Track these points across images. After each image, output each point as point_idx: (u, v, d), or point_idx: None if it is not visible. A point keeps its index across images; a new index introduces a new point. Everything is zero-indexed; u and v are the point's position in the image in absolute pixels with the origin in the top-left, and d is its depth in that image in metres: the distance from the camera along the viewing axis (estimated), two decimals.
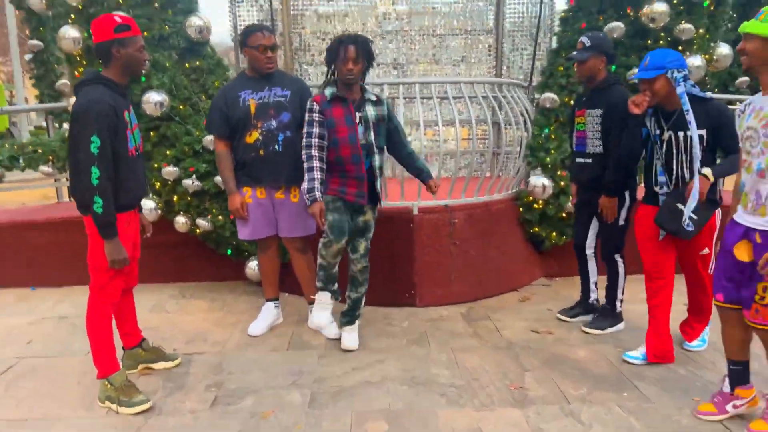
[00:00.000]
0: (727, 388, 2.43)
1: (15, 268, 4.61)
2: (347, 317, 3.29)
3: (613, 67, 3.97)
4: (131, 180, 2.61)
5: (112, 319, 2.69)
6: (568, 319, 3.63)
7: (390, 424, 2.46)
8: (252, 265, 4.21)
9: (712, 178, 2.65)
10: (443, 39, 5.64)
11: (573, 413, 2.51)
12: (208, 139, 3.91)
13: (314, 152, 2.94)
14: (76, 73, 4.08)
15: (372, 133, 3.03)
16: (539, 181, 4.07)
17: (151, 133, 4.04)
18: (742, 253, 2.25)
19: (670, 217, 2.78)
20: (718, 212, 2.83)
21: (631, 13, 3.94)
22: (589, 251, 3.55)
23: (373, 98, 3.07)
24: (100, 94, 2.42)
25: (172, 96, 3.99)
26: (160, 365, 3.04)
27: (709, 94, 2.80)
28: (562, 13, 4.32)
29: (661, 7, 3.80)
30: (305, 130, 2.97)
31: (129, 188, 2.61)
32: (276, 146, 3.19)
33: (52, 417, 2.57)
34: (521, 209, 4.29)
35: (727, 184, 4.53)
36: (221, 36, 9.04)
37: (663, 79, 2.72)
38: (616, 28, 3.92)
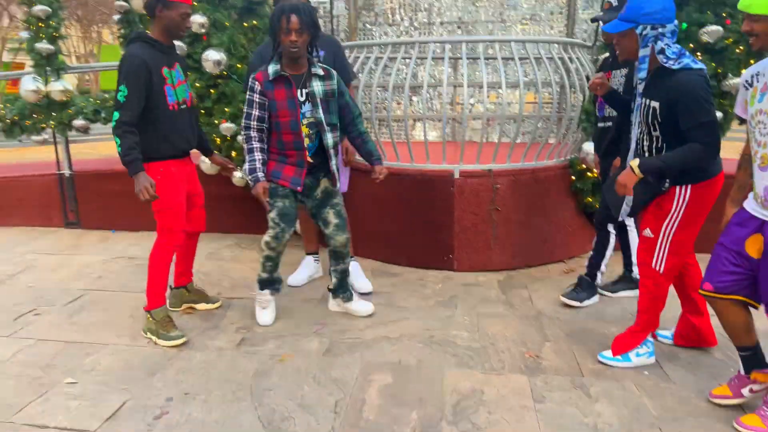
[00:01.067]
0: (742, 371, 2.25)
1: (98, 212, 5.13)
2: (346, 291, 3.18)
3: (684, 25, 3.63)
4: (173, 132, 2.82)
5: (172, 259, 2.96)
6: (610, 294, 3.48)
7: (395, 377, 2.53)
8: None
9: (638, 173, 2.27)
10: None
11: (582, 386, 2.45)
12: None
13: (253, 133, 2.81)
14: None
15: (320, 110, 2.81)
16: (592, 147, 3.85)
17: (211, 90, 4.27)
18: (752, 247, 2.04)
19: (610, 189, 2.53)
20: (682, 192, 2.35)
21: None
22: (629, 221, 3.35)
23: (321, 72, 2.81)
24: (136, 51, 2.65)
25: (230, 54, 4.17)
26: (202, 306, 3.31)
27: (696, 65, 2.23)
28: None
29: None
30: (245, 109, 2.82)
31: (171, 140, 2.82)
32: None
33: (101, 342, 2.90)
34: (573, 177, 4.10)
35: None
36: None
37: (632, 35, 2.30)
38: None
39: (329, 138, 2.87)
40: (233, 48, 4.18)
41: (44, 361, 2.71)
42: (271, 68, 2.76)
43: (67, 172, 5.16)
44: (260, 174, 2.79)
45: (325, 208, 2.98)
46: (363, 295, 3.47)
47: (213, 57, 4.07)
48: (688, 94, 2.19)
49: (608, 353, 2.67)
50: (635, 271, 3.41)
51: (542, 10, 5.34)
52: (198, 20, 4.06)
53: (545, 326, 3.06)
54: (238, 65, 4.21)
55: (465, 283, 3.70)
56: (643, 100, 2.39)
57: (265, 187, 2.80)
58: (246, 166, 2.83)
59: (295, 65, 2.78)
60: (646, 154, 2.43)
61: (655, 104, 2.31)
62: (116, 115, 2.61)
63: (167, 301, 3.14)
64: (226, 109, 4.28)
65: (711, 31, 3.57)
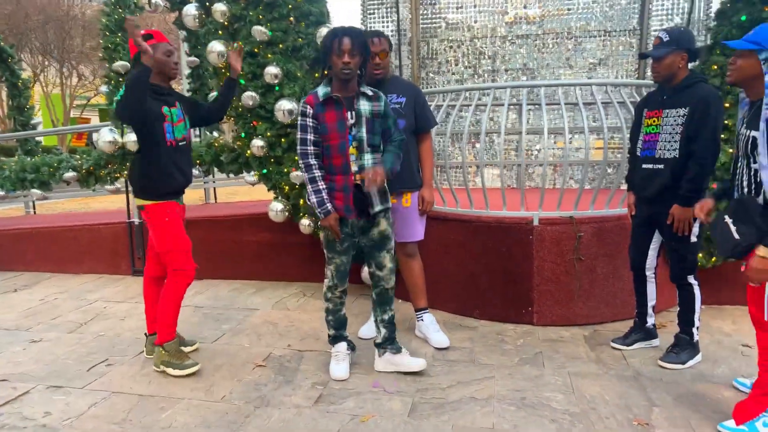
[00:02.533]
0: None
1: None
2: (394, 345, 3.00)
3: None
4: (171, 167, 2.97)
5: (183, 296, 3.04)
6: (624, 347, 3.24)
7: None
8: (367, 270, 4.26)
9: None
10: (579, 41, 5.29)
11: None
12: None
13: (312, 161, 2.76)
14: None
15: (364, 130, 2.75)
16: None
17: (282, 139, 4.29)
18: None
19: (720, 232, 2.32)
20: None
21: None
22: (649, 272, 3.17)
23: (369, 93, 2.78)
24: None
25: None
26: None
27: None
28: (720, 5, 3.83)
29: None
30: (299, 135, 2.77)
31: (170, 174, 2.97)
32: None
33: (176, 396, 2.79)
34: None
35: None
36: None
37: (753, 58, 2.19)
38: None
39: (366, 159, 2.78)
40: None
41: (119, 416, 2.62)
42: (321, 90, 2.75)
43: (136, 220, 5.25)
44: (329, 206, 2.76)
45: (382, 251, 2.91)
46: (439, 350, 3.28)
47: (285, 106, 4.10)
48: None
49: (730, 423, 2.36)
50: (650, 322, 3.25)
51: (611, 54, 5.22)
52: (271, 71, 4.12)
53: (647, 388, 2.78)
54: None
55: (548, 339, 3.45)
56: (746, 131, 2.27)
57: (337, 218, 2.78)
58: (312, 198, 2.76)
59: (345, 88, 2.75)
60: (745, 190, 2.29)
61: (755, 134, 2.18)
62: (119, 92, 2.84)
63: (144, 349, 3.26)
64: (296, 158, 4.27)
65: None
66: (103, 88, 5.09)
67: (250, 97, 4.20)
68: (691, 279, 3.03)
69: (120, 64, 4.91)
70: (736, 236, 2.25)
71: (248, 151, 4.38)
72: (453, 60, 5.57)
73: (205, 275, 4.87)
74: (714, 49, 3.74)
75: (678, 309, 3.10)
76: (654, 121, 3.00)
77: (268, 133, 4.28)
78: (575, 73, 5.36)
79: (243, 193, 9.06)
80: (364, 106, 2.77)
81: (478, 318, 3.80)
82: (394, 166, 2.82)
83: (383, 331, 2.99)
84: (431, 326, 3.41)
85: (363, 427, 2.46)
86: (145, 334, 3.32)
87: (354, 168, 2.76)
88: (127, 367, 3.17)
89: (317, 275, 4.80)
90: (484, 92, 4.18)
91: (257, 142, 4.26)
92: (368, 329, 3.52)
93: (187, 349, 3.28)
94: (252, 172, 4.61)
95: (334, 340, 3.05)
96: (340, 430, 2.44)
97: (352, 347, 3.13)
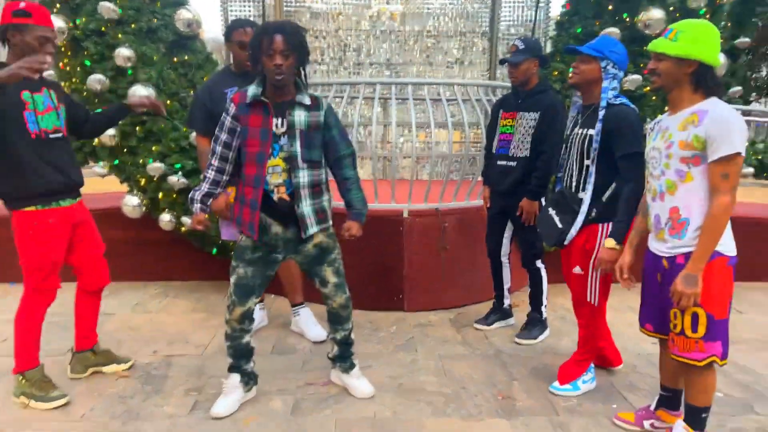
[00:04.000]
0: (653, 406, 2.41)
1: None
2: (346, 361, 2.75)
3: None
4: (41, 165, 2.45)
5: (42, 318, 2.63)
6: (486, 327, 3.59)
7: None
8: None
9: (617, 246, 2.38)
10: (438, 40, 5.58)
11: (562, 425, 2.46)
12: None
13: (213, 160, 2.46)
14: (60, 64, 3.98)
15: (297, 143, 2.38)
16: None
17: (137, 128, 3.94)
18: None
19: (542, 220, 2.76)
20: (604, 230, 2.51)
21: (628, 20, 3.90)
22: (504, 258, 3.54)
23: (307, 101, 2.40)
24: None
25: (159, 90, 3.89)
26: (111, 368, 2.92)
27: (619, 100, 2.48)
28: (558, 17, 4.29)
29: (657, 14, 3.76)
30: (216, 131, 2.47)
31: (41, 173, 2.45)
32: None
33: (24, 420, 2.47)
34: None
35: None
36: (216, 32, 8.96)
37: (595, 65, 2.47)
38: (611, 33, 3.88)
39: (301, 175, 2.41)
40: (162, 83, 3.91)
41: None
42: (251, 90, 2.37)
43: None
44: (197, 206, 2.47)
45: (322, 265, 2.57)
46: (317, 344, 3.30)
47: (140, 92, 3.75)
48: (624, 123, 2.39)
49: (557, 383, 2.76)
50: (506, 303, 3.64)
51: (467, 54, 5.59)
52: (123, 53, 3.75)
53: (508, 364, 3.07)
54: (168, 102, 3.93)
55: (418, 324, 3.64)
56: (581, 130, 2.56)
57: (200, 219, 2.50)
58: (191, 193, 2.51)
59: (280, 92, 2.37)
60: (574, 185, 2.59)
61: (591, 132, 2.48)
62: None
63: (68, 369, 2.87)
64: (153, 148, 3.96)
65: (632, 80, 3.90)
66: None
67: (97, 81, 3.79)
68: (539, 263, 3.40)
69: None
70: (560, 225, 2.61)
71: (96, 140, 3.95)
72: (318, 50, 5.55)
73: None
74: (555, 56, 4.19)
75: (529, 290, 3.46)
76: (509, 122, 3.29)
77: (122, 122, 3.90)
78: (434, 70, 5.64)
79: (94, 184, 8.15)
80: (300, 116, 2.39)
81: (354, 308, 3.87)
82: (365, 206, 2.57)
83: (335, 348, 2.76)
84: (308, 320, 3.41)
85: (246, 430, 2.40)
86: (71, 350, 2.89)
87: (277, 180, 2.41)
88: None
89: (179, 273, 4.54)
90: (354, 87, 4.22)
91: (107, 131, 3.86)
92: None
93: (119, 367, 2.91)
94: (101, 163, 4.18)
95: (229, 369, 2.61)
96: None
97: (248, 382, 2.62)
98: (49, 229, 2.51)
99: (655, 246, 2.17)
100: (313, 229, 2.49)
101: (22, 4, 2.39)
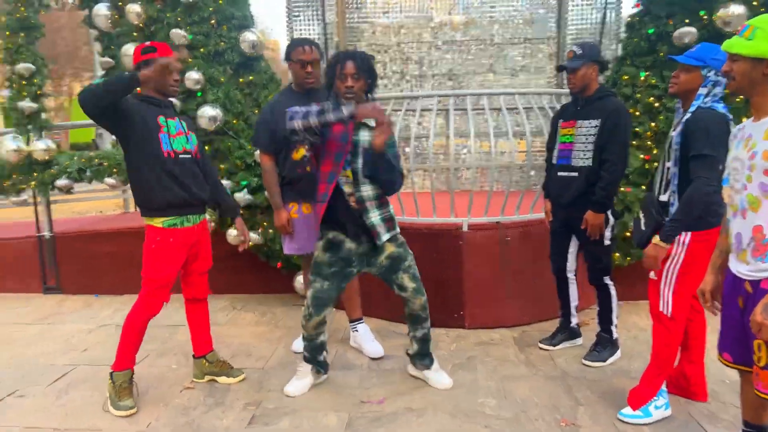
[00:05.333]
0: None
1: (80, 275, 4.84)
2: (425, 358, 2.95)
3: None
4: (166, 179, 2.68)
5: (144, 326, 2.81)
6: (551, 347, 3.39)
7: None
8: (300, 279, 4.20)
9: (663, 244, 2.37)
10: (501, 48, 5.46)
11: None
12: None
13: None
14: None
15: (360, 161, 2.63)
16: None
17: (206, 146, 4.11)
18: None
19: (635, 226, 2.65)
20: (683, 237, 2.39)
21: (705, 17, 3.63)
22: (570, 274, 3.34)
23: (372, 123, 2.61)
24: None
25: (226, 110, 4.06)
26: (223, 379, 3.06)
27: (710, 104, 2.38)
28: (629, 18, 4.06)
29: (738, 10, 3.47)
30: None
31: (167, 187, 2.68)
32: None
33: (95, 429, 2.61)
34: None
35: None
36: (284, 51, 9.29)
37: (696, 73, 2.39)
38: (687, 33, 3.62)
39: (364, 189, 2.65)
40: (229, 104, 4.07)
41: None
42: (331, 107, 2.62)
43: (47, 233, 4.89)
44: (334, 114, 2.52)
45: (398, 272, 2.76)
46: (375, 360, 3.28)
47: (208, 113, 3.95)
48: (701, 128, 2.31)
49: (627, 410, 2.56)
50: (573, 321, 3.44)
51: (533, 61, 5.43)
52: (193, 77, 3.95)
53: (573, 388, 2.90)
54: (234, 121, 4.09)
55: (479, 342, 3.53)
56: (671, 133, 2.50)
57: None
58: (314, 114, 2.52)
59: None
60: (657, 188, 2.56)
61: (674, 134, 2.46)
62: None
63: (192, 372, 3.11)
64: (221, 166, 4.13)
65: None
66: (5, 92, 4.68)
67: None
68: (607, 280, 3.20)
69: (23, 67, 4.53)
70: (644, 227, 2.52)
71: None
72: (380, 64, 5.58)
73: (125, 290, 4.61)
74: (625, 60, 3.96)
75: (597, 309, 3.27)
76: (568, 131, 3.15)
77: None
78: (498, 79, 5.52)
79: None
80: (364, 136, 2.65)
81: None
82: (393, 155, 2.66)
83: (415, 345, 2.94)
84: (366, 336, 3.40)
85: None
86: (193, 356, 3.10)
87: (349, 190, 2.65)
88: (40, 399, 2.93)
89: (245, 286, 4.69)
90: (411, 99, 4.21)
91: None
92: (300, 344, 3.45)
93: (229, 380, 3.04)
94: None
95: (304, 359, 2.93)
96: None
97: (318, 370, 2.94)
98: (168, 247, 2.73)
99: (737, 267, 1.94)
100: (385, 237, 2.70)
101: (147, 43, 2.69)
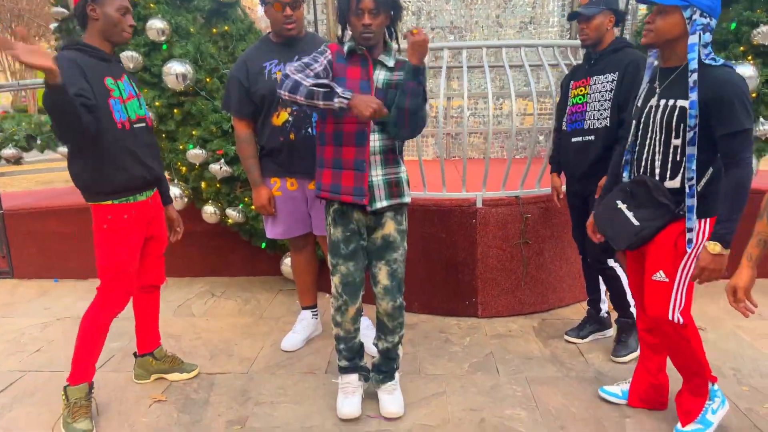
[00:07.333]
0: None
1: (36, 257, 4.27)
2: (381, 373, 2.40)
3: (733, 25, 3.18)
4: (124, 157, 2.21)
5: (106, 328, 2.32)
6: (579, 340, 2.99)
7: None
8: (288, 262, 3.70)
9: (725, 252, 1.83)
10: None
11: None
12: None
13: (308, 79, 2.01)
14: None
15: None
16: None
17: (175, 110, 3.53)
18: None
19: (606, 217, 2.14)
20: (703, 226, 1.94)
21: None
22: (610, 260, 2.83)
23: (390, 64, 2.16)
24: (67, 55, 2.07)
25: (197, 67, 3.46)
26: (174, 376, 2.67)
27: (722, 60, 1.87)
28: None
29: None
30: (304, 61, 2.11)
31: (123, 166, 2.21)
32: (310, 129, 2.61)
33: None
34: None
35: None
36: None
37: (678, 16, 1.86)
38: None
39: (373, 138, 2.15)
40: (200, 59, 3.46)
41: None
42: (347, 45, 2.16)
43: None
44: (348, 93, 1.95)
45: (380, 261, 2.26)
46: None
47: (176, 70, 3.34)
48: (736, 90, 1.81)
49: (680, 425, 2.16)
50: (603, 309, 3.00)
51: (542, 12, 4.85)
52: (156, 26, 3.33)
53: None
54: (207, 79, 3.49)
55: (496, 334, 3.09)
56: (662, 101, 1.95)
57: (377, 108, 1.93)
58: (320, 94, 1.96)
59: (369, 52, 2.16)
60: (658, 171, 1.99)
61: (683, 103, 1.88)
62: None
63: (133, 372, 2.66)
64: (193, 132, 3.54)
65: (765, 32, 3.11)
66: None
67: (130, 58, 3.39)
68: (611, 262, 2.77)
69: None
70: (636, 222, 2.03)
71: None
72: None
73: (89, 273, 4.08)
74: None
75: (608, 295, 2.87)
76: (581, 91, 2.69)
77: (157, 103, 3.50)
78: (504, 33, 4.95)
79: None
80: (381, 75, 2.16)
81: (418, 312, 3.38)
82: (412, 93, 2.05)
83: (376, 356, 2.46)
84: (367, 332, 2.92)
85: None
86: (134, 354, 2.68)
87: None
88: None
89: (227, 268, 4.18)
90: None
91: None
92: (289, 341, 2.98)
93: (183, 376, 2.67)
94: None
95: (344, 370, 2.40)
96: None
97: (365, 378, 2.43)
98: (123, 226, 2.26)
99: None
100: (381, 203, 2.19)
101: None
